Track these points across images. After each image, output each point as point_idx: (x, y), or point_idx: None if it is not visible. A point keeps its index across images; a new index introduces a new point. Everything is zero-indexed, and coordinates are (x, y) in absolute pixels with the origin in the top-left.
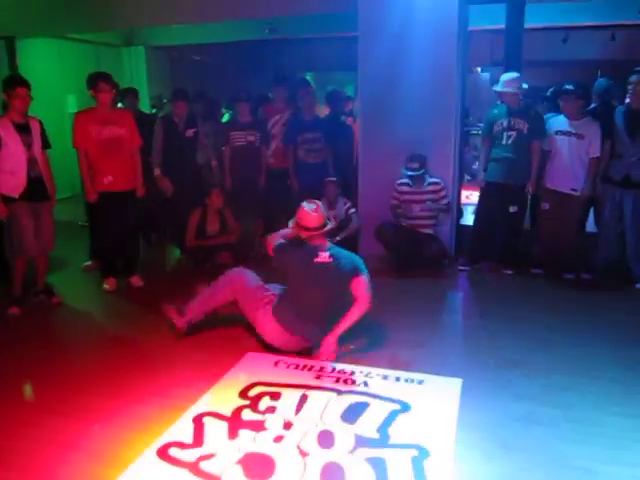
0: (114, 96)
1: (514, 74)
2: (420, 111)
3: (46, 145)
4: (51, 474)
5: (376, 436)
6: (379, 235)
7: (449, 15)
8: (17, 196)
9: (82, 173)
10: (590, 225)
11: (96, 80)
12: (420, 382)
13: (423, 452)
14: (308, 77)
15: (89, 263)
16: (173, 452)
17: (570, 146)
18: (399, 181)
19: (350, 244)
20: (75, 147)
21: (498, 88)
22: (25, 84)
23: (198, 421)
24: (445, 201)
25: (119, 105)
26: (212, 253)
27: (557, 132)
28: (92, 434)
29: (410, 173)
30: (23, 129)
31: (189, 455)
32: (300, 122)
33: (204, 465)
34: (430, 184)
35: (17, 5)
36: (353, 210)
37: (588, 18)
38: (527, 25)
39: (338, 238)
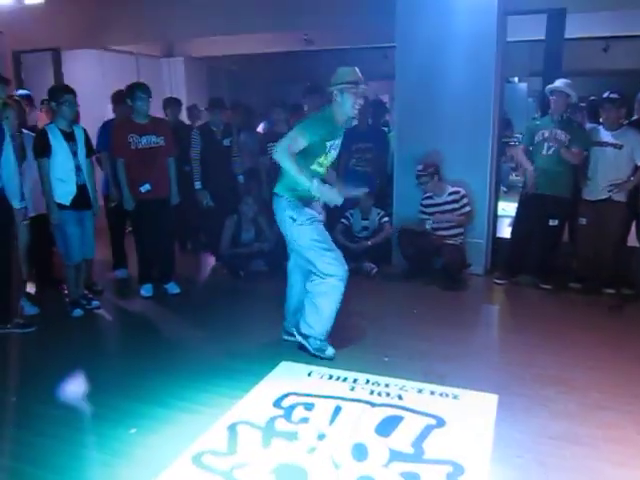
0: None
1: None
2: (457, 121)
3: (90, 153)
4: (87, 476)
5: (410, 450)
6: (398, 240)
7: (488, 26)
8: (69, 204)
9: (120, 182)
10: (632, 239)
11: (133, 89)
12: (455, 397)
13: (458, 468)
14: None
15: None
16: (207, 459)
17: (607, 157)
18: (424, 195)
19: (382, 252)
20: (114, 155)
21: (552, 85)
22: (72, 91)
23: (232, 429)
24: (465, 209)
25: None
26: (246, 261)
27: (594, 143)
28: (129, 438)
29: (417, 173)
30: (69, 137)
31: (223, 463)
32: (355, 132)
33: (237, 474)
34: (450, 193)
35: (61, 18)
36: (386, 219)
37: (629, 28)
38: (567, 35)
39: (369, 243)
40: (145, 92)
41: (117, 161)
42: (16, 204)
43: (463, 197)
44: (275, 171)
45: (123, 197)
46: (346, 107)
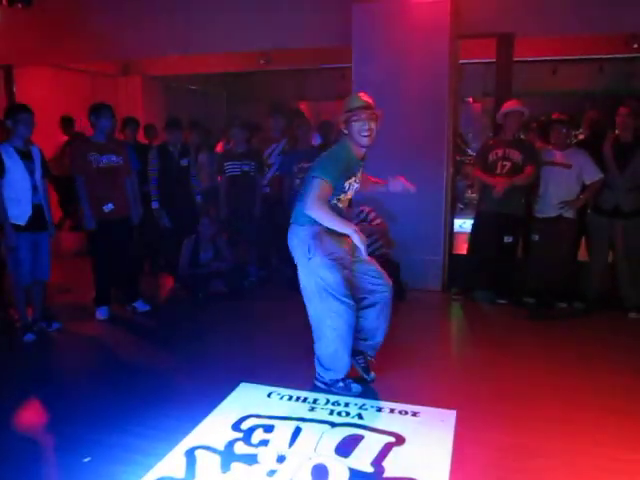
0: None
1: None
2: (413, 141)
3: (46, 173)
4: None
5: (370, 470)
6: None
7: (440, 49)
8: (24, 224)
9: (81, 201)
10: (583, 254)
11: (99, 109)
12: (414, 414)
13: None
14: (301, 107)
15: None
16: None
17: (556, 176)
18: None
19: None
20: (74, 174)
21: (504, 110)
22: (30, 111)
23: (190, 455)
24: (376, 222)
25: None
26: (205, 282)
27: (545, 162)
28: (84, 467)
29: None
30: (25, 156)
31: None
32: (297, 152)
33: None
34: (358, 214)
35: (14, 34)
36: None
37: (577, 51)
38: (517, 58)
39: None
40: (110, 112)
41: (77, 179)
42: None
43: (368, 214)
44: (238, 189)
45: (84, 216)
46: (355, 137)
